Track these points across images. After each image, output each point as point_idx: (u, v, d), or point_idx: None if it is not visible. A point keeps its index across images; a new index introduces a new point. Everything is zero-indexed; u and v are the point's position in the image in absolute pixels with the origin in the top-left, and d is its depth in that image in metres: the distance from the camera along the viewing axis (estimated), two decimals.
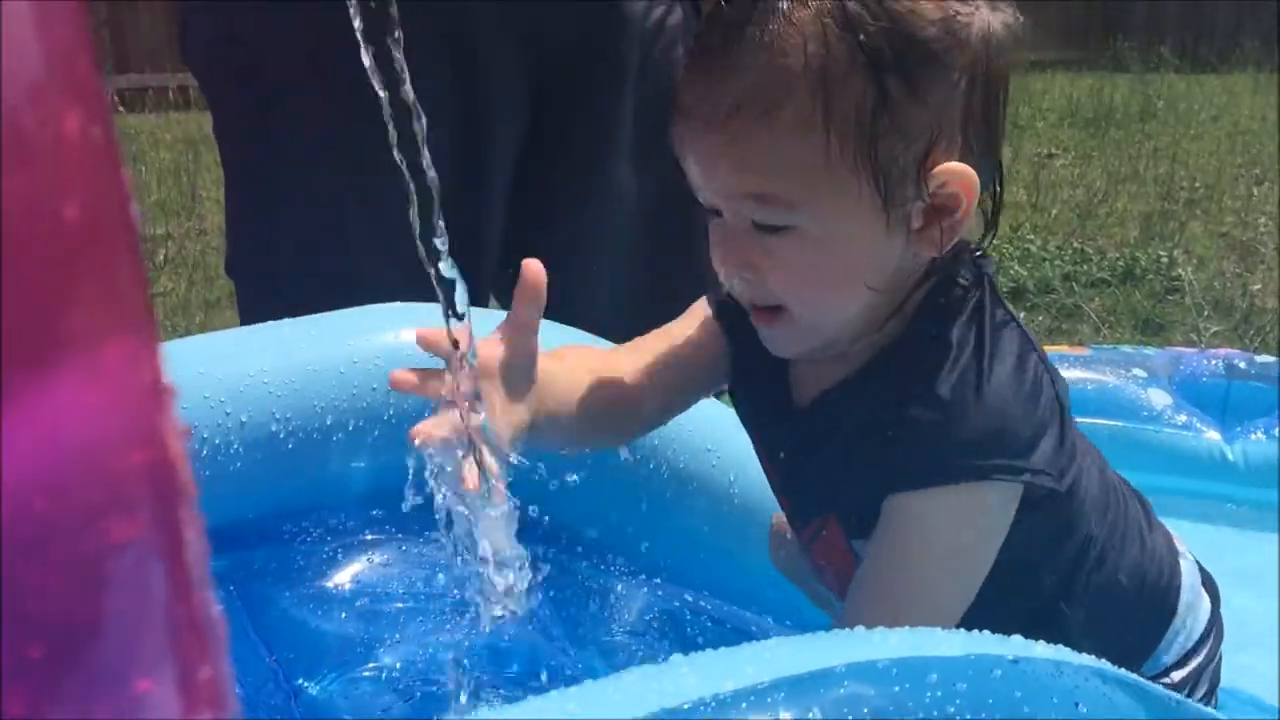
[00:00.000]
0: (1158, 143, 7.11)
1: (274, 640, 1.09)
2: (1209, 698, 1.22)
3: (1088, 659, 0.76)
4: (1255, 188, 6.06)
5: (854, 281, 1.00)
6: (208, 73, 1.62)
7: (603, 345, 1.30)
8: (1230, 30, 11.81)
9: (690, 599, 1.31)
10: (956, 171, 0.98)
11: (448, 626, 1.07)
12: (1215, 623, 1.23)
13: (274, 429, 1.20)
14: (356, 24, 1.13)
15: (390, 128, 1.14)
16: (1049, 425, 1.03)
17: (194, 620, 0.41)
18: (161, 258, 4.93)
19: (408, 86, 1.14)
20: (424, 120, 1.14)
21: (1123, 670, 0.78)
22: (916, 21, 0.94)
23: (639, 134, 1.73)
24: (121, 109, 8.14)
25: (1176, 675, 1.19)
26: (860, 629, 0.75)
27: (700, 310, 1.20)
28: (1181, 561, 1.23)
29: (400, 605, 1.13)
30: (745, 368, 1.16)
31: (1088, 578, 1.12)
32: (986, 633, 0.76)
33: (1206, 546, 1.33)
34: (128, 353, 0.38)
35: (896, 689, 0.68)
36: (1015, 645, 0.75)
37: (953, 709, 0.68)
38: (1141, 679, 0.85)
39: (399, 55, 1.13)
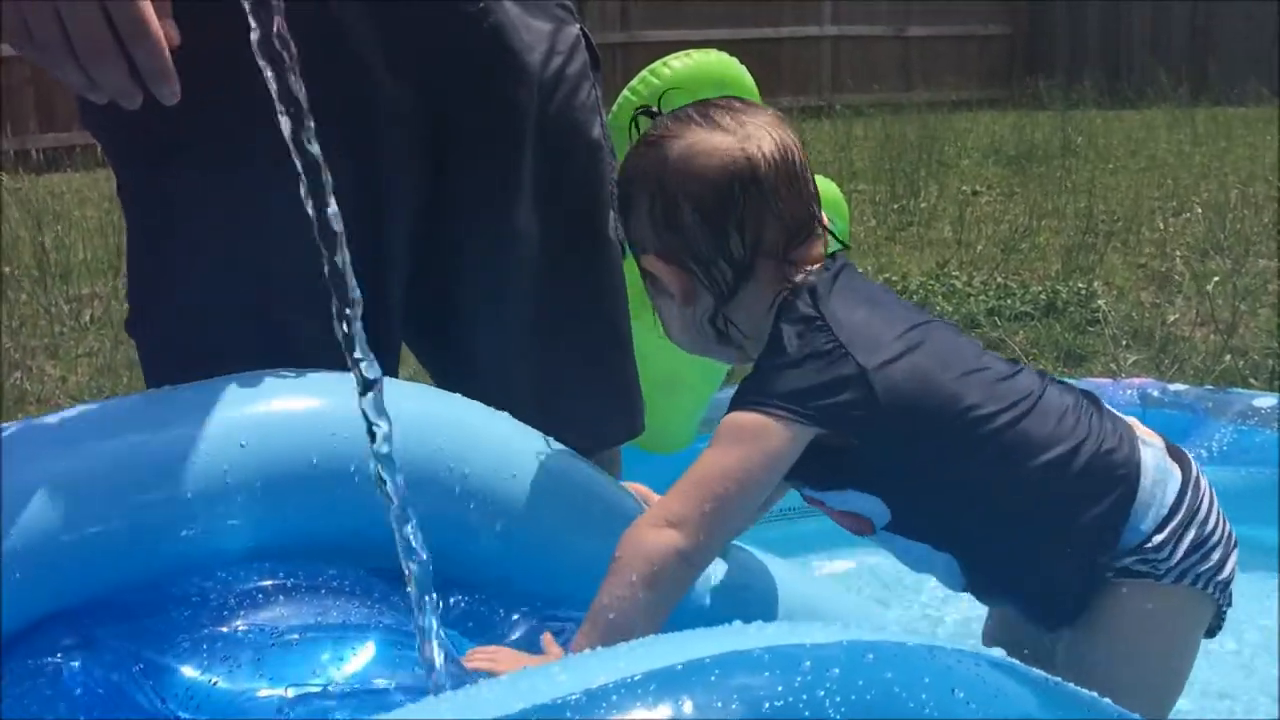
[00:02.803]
0: (1078, 178, 7.28)
1: (167, 687, 1.09)
2: (1199, 548, 1.46)
3: (964, 644, 0.79)
4: (1172, 219, 6.22)
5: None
6: (106, 131, 1.61)
7: None
8: (1146, 67, 12.16)
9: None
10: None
11: (344, 660, 1.08)
12: (1187, 486, 1.50)
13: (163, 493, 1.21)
14: (273, 88, 1.15)
15: (301, 179, 1.16)
16: (828, 383, 1.39)
17: None
18: (88, 317, 4.88)
19: (311, 142, 1.16)
20: (328, 175, 1.16)
21: (997, 653, 0.81)
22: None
23: (540, 181, 1.75)
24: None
25: (1157, 538, 1.45)
26: (737, 623, 0.76)
27: None
28: (1143, 448, 1.49)
29: (295, 642, 1.14)
30: None
31: (1016, 475, 1.43)
32: (861, 621, 0.78)
33: None
34: None
35: (768, 675, 0.70)
36: (888, 632, 0.77)
37: (823, 693, 0.70)
38: (1016, 662, 0.88)
39: (292, 118, 1.15)
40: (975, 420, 1.42)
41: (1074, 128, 8.94)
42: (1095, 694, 0.95)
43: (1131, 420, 1.56)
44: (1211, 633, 1.55)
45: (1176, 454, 1.54)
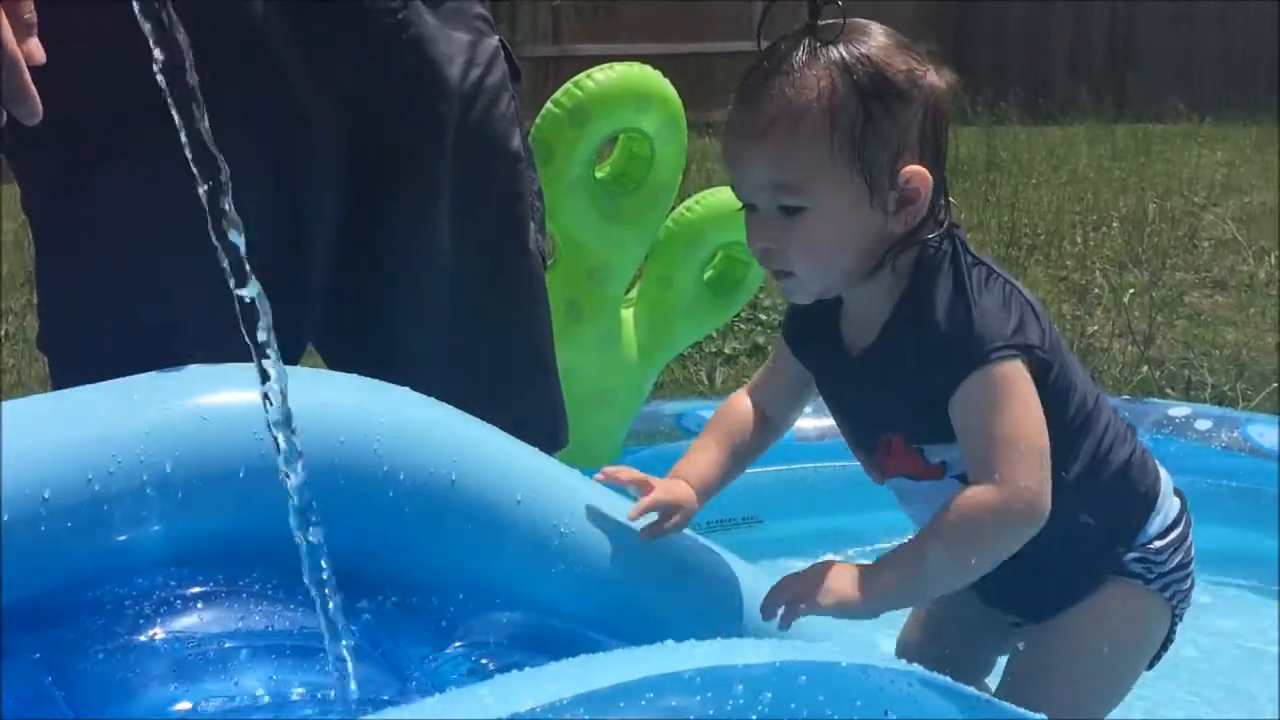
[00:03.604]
0: (1001, 192, 7.40)
1: (80, 699, 1.06)
2: (1185, 567, 1.57)
3: (898, 663, 0.79)
4: (1092, 233, 6.35)
5: (843, 250, 1.45)
6: (10, 145, 1.58)
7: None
8: (1068, 84, 12.41)
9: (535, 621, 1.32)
10: (918, 172, 1.43)
11: (264, 669, 1.06)
12: (1185, 514, 1.61)
13: (77, 497, 1.17)
14: (164, 87, 1.12)
15: (206, 192, 1.14)
16: (1026, 319, 1.44)
17: None
18: (1, 333, 4.77)
19: (214, 149, 1.14)
20: (228, 176, 1.14)
21: (933, 674, 0.81)
22: (889, 69, 1.43)
23: (459, 193, 1.74)
24: None
25: (1158, 543, 1.56)
26: (669, 642, 0.76)
27: (780, 344, 1.67)
28: (1160, 467, 1.62)
29: (214, 652, 1.12)
30: (801, 335, 1.61)
31: (1085, 452, 1.51)
32: (799, 642, 0.78)
33: None
34: None
35: (699, 699, 0.70)
36: (821, 651, 0.77)
37: (755, 717, 0.69)
38: (949, 680, 0.88)
39: (205, 122, 1.14)
40: (1083, 396, 1.52)
41: (998, 143, 9.09)
42: (1029, 712, 0.96)
43: None
44: (1157, 656, 1.63)
45: (1177, 491, 1.64)
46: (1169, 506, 1.59)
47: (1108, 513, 1.53)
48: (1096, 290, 5.19)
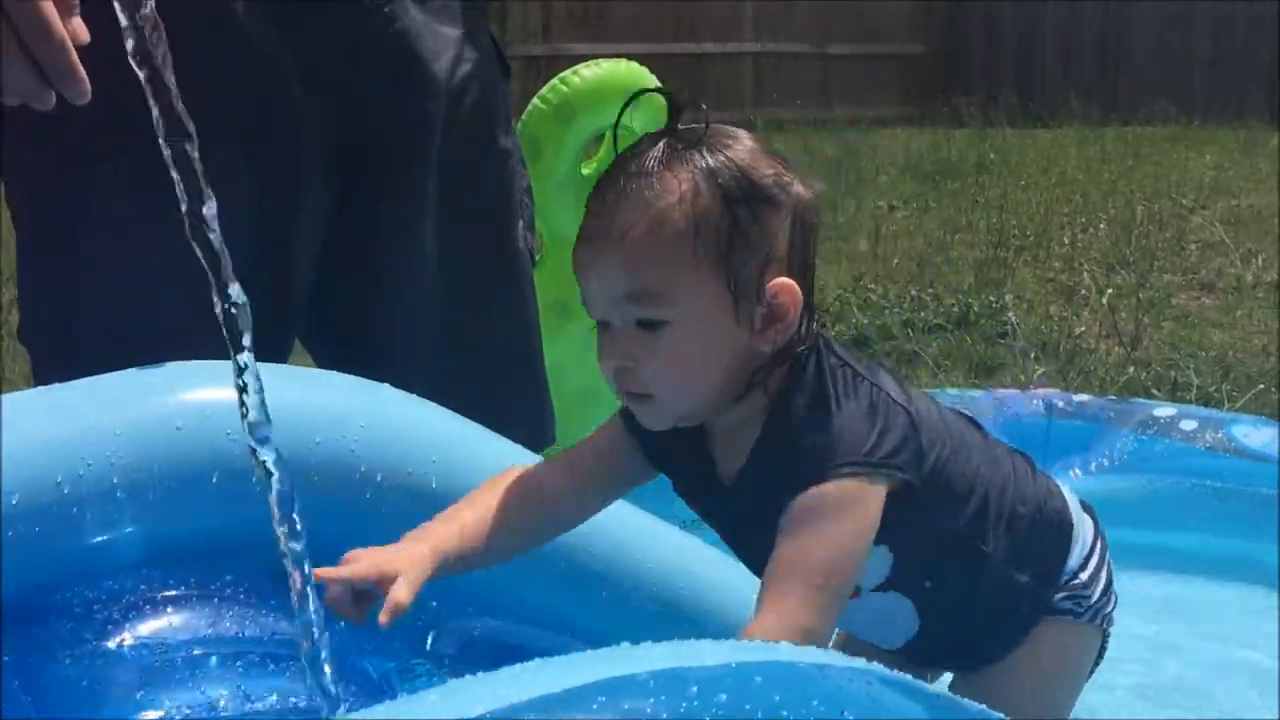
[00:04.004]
0: (991, 194, 7.42)
1: (48, 705, 1.05)
2: (1108, 590, 1.54)
3: (858, 662, 0.78)
4: (1080, 234, 6.37)
5: (708, 368, 1.32)
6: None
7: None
8: (1059, 87, 12.44)
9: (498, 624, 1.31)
10: (786, 285, 1.32)
11: (227, 677, 1.05)
12: (1098, 532, 1.57)
13: (48, 497, 1.16)
14: (144, 82, 1.12)
15: (183, 190, 1.14)
16: (891, 424, 1.33)
17: None
18: None
19: (195, 147, 1.14)
20: (208, 182, 1.14)
21: (894, 672, 0.81)
22: (756, 173, 1.32)
23: (447, 190, 1.74)
24: None
25: (1083, 575, 1.52)
26: (625, 644, 0.76)
27: (611, 422, 1.45)
28: (1062, 489, 1.57)
29: (181, 659, 1.11)
30: (665, 452, 1.43)
31: (995, 520, 1.45)
32: (757, 642, 0.77)
33: None
34: None
35: (654, 702, 0.69)
36: (777, 651, 0.76)
37: (709, 719, 0.69)
38: (912, 680, 0.88)
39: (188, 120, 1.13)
40: (977, 470, 1.42)
41: (988, 145, 9.12)
42: (991, 711, 0.95)
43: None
44: (1090, 672, 1.60)
45: (1084, 506, 1.60)
46: (1083, 530, 1.55)
47: (1034, 560, 1.49)
48: (1084, 291, 5.20)
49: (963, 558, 1.43)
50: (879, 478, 1.30)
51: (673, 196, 1.29)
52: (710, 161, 1.30)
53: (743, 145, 1.34)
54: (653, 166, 1.30)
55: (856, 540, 1.29)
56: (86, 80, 1.20)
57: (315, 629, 1.05)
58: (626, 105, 1.38)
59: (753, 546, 1.39)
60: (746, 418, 1.36)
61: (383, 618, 1.13)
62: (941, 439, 1.39)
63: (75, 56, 1.19)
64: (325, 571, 1.17)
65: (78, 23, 1.20)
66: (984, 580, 1.45)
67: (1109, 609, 1.55)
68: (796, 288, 1.32)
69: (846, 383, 1.34)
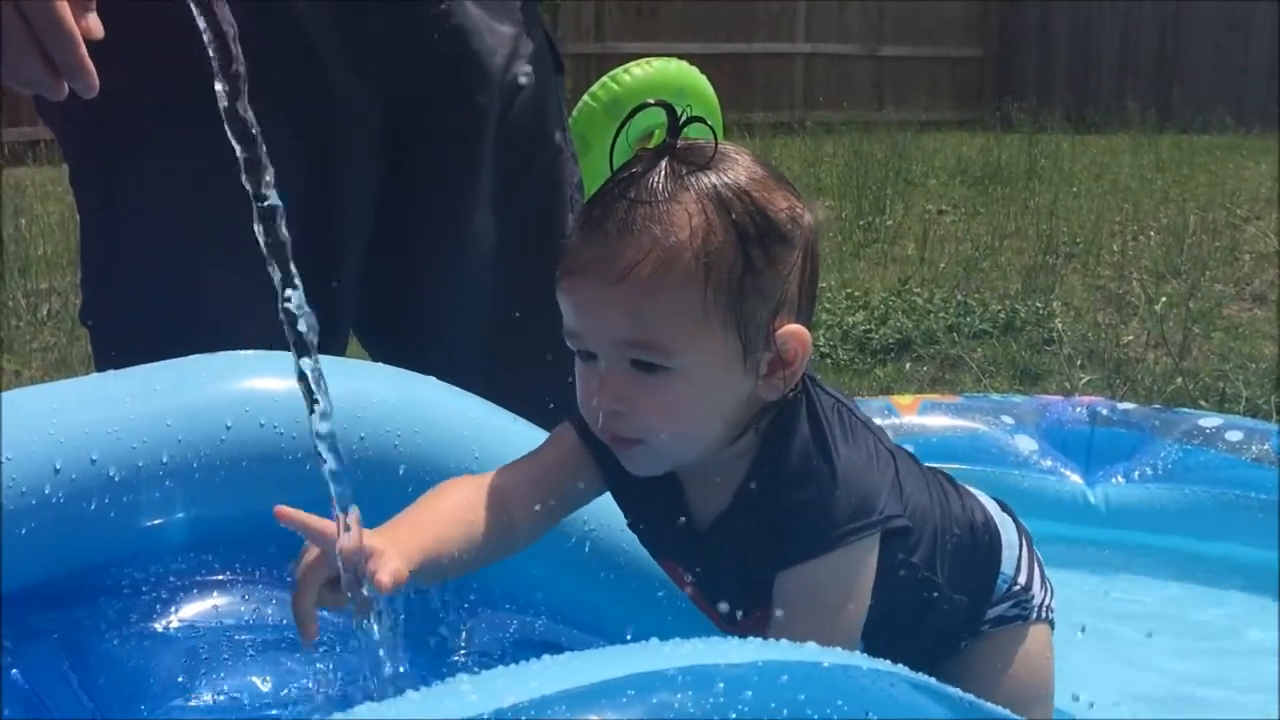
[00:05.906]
0: (1041, 199, 7.35)
1: (94, 685, 1.08)
2: (1044, 582, 1.50)
3: (883, 663, 0.79)
4: (1131, 243, 6.29)
5: (709, 419, 1.21)
6: (61, 121, 1.62)
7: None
8: (1114, 93, 12.29)
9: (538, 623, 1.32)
10: (796, 333, 1.22)
11: (269, 661, 1.07)
12: (1020, 529, 1.51)
13: (97, 481, 1.19)
14: (218, 86, 1.15)
15: (244, 178, 1.17)
16: (885, 475, 1.28)
17: None
18: (45, 312, 4.84)
19: (256, 134, 1.16)
20: (270, 167, 1.16)
21: (918, 674, 0.81)
22: (772, 208, 1.19)
23: (498, 183, 1.76)
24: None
25: (1021, 579, 1.47)
26: (653, 640, 0.77)
27: (563, 436, 1.32)
28: (977, 495, 1.50)
29: (225, 642, 1.13)
30: (628, 488, 1.31)
31: (940, 545, 1.38)
32: (783, 642, 0.79)
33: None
34: None
35: (681, 697, 0.70)
36: (804, 651, 0.78)
37: (735, 715, 0.70)
38: (934, 681, 0.89)
39: (246, 106, 1.16)
40: (921, 493, 1.38)
41: (1040, 151, 9.03)
42: (1012, 714, 0.96)
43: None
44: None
45: (1001, 506, 1.55)
46: (1008, 533, 1.49)
47: (970, 580, 1.43)
48: (1133, 300, 5.14)
49: (914, 587, 1.36)
50: (878, 530, 1.25)
51: (682, 233, 1.15)
52: (721, 190, 1.18)
53: (751, 170, 1.21)
54: (659, 193, 1.17)
55: (864, 602, 1.25)
56: (94, 74, 1.23)
57: (374, 611, 1.07)
58: (624, 124, 1.23)
59: (718, 580, 1.32)
60: (729, 459, 1.26)
61: (383, 578, 1.05)
62: (905, 471, 1.35)
63: (84, 51, 1.22)
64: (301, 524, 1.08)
65: (92, 19, 1.23)
66: (932, 608, 1.39)
67: (1050, 599, 1.51)
68: (806, 335, 1.23)
69: (844, 426, 1.27)
